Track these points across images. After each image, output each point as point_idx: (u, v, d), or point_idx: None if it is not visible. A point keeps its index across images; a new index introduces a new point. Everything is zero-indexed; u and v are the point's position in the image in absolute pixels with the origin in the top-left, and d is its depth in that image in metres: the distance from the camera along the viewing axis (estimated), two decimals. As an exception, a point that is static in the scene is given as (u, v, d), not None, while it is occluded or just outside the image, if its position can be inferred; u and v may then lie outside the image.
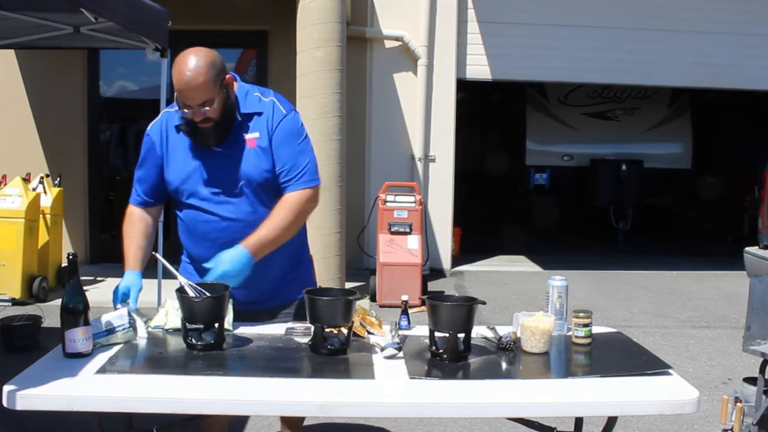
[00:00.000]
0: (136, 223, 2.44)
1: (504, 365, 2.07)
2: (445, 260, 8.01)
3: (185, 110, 2.24)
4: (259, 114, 2.34)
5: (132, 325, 2.17)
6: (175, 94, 2.25)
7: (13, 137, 7.58)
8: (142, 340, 2.18)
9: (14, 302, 5.88)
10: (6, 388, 1.78)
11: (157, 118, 2.45)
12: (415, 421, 3.63)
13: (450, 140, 7.87)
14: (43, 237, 6.37)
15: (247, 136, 2.32)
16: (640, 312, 6.32)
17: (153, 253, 2.46)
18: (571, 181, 11.17)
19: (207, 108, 2.21)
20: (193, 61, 2.19)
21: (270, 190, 2.36)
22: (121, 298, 2.24)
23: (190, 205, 2.38)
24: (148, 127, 2.44)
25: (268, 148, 2.32)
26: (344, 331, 2.13)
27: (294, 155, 2.35)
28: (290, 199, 2.34)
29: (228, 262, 2.20)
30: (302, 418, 2.69)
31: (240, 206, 2.34)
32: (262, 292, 2.42)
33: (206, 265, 2.24)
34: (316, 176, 2.40)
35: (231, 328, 2.27)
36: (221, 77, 2.23)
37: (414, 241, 6.53)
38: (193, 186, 2.35)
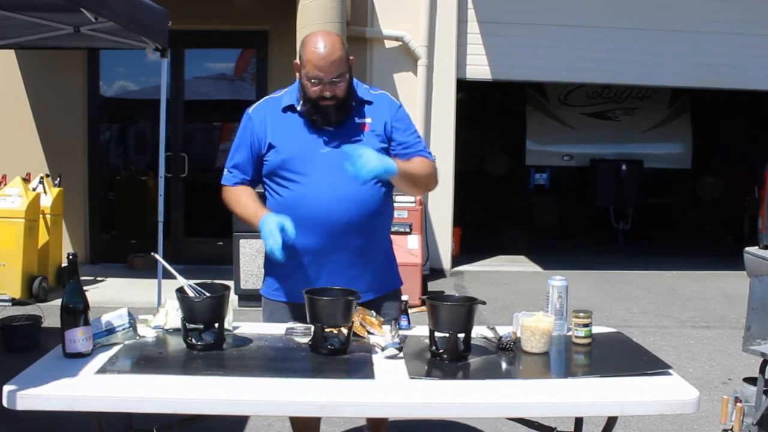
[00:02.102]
0: (243, 191, 2.48)
1: (504, 365, 2.07)
2: (445, 260, 8.01)
3: (315, 85, 2.30)
4: (370, 103, 2.45)
5: (132, 324, 2.17)
6: (303, 71, 2.32)
7: (13, 137, 7.58)
8: (142, 340, 2.18)
9: (14, 302, 5.87)
10: (6, 388, 1.78)
11: (258, 102, 2.53)
12: (415, 421, 3.63)
13: (450, 140, 7.86)
14: (43, 237, 6.37)
15: (359, 121, 2.41)
16: (640, 312, 6.32)
17: (152, 254, 2.46)
18: (571, 181, 11.16)
19: (338, 81, 2.29)
20: (329, 37, 2.31)
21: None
22: (282, 232, 2.22)
23: (296, 183, 2.38)
24: (249, 110, 2.51)
25: (381, 133, 2.42)
26: (344, 331, 2.13)
27: (415, 137, 2.50)
28: (426, 159, 2.46)
29: (377, 155, 2.23)
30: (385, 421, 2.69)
31: (349, 187, 2.34)
32: (365, 282, 2.43)
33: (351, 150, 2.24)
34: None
35: (231, 328, 2.28)
36: (348, 56, 2.34)
37: (414, 241, 6.53)
38: (304, 163, 2.37)
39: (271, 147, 2.40)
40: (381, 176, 2.26)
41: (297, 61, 2.37)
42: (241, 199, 2.45)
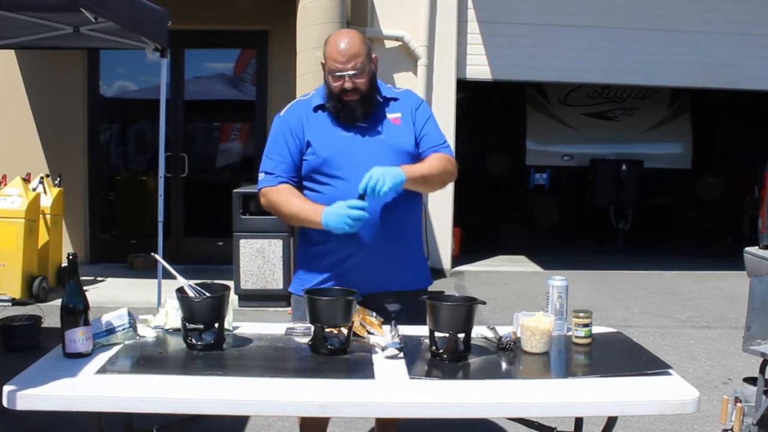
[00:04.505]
0: (289, 191, 2.44)
1: (504, 365, 2.07)
2: (445, 260, 8.00)
3: (337, 80, 2.35)
4: (396, 99, 2.50)
5: (132, 324, 2.17)
6: (326, 68, 2.39)
7: (13, 137, 7.58)
8: (142, 340, 2.18)
9: (14, 302, 5.87)
10: (6, 388, 1.78)
11: (288, 105, 2.55)
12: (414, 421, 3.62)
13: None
14: (43, 237, 6.37)
15: (391, 116, 2.47)
16: (640, 312, 6.32)
17: (152, 254, 2.46)
18: (571, 181, 11.16)
19: (359, 74, 2.34)
20: (349, 33, 2.41)
21: None
22: (352, 208, 2.22)
23: (329, 186, 2.40)
24: (281, 113, 2.54)
25: (411, 126, 2.47)
26: (344, 331, 2.13)
27: (437, 129, 2.53)
28: (441, 155, 2.46)
29: (383, 169, 2.25)
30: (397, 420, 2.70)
31: None
32: (391, 279, 2.44)
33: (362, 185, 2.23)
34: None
35: (231, 328, 2.28)
36: (371, 54, 2.42)
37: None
38: (341, 161, 2.39)
39: (309, 145, 2.43)
40: (396, 189, 2.28)
41: (322, 60, 2.41)
42: (291, 200, 2.41)
